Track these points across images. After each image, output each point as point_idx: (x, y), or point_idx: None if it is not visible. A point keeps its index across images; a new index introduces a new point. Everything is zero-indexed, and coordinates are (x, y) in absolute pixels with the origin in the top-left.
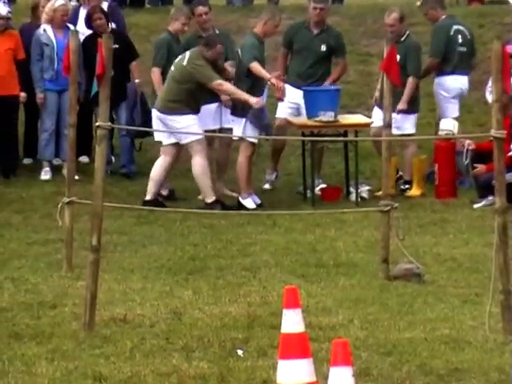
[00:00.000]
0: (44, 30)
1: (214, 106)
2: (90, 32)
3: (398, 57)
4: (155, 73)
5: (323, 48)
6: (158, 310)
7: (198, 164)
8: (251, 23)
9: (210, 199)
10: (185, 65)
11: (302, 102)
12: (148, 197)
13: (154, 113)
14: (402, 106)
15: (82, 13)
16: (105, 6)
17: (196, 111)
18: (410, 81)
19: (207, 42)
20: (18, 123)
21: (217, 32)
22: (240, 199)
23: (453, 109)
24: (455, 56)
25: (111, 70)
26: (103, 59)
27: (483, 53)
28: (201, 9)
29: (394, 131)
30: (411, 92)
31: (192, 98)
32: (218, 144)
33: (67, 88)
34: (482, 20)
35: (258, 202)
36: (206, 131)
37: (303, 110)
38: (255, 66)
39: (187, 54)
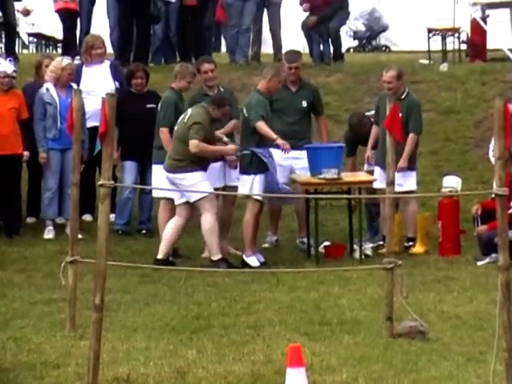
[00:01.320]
0: (47, 89)
1: (218, 164)
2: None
3: (400, 114)
4: (164, 133)
5: (304, 104)
6: (162, 370)
7: (207, 221)
8: (255, 81)
9: (216, 257)
10: (185, 122)
11: (285, 162)
12: (160, 256)
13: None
14: (402, 164)
15: (85, 71)
16: (107, 64)
17: (204, 168)
18: (412, 137)
19: (218, 102)
20: (21, 182)
21: (221, 89)
22: (244, 257)
23: None
24: None
25: (115, 129)
26: (106, 118)
27: (485, 110)
28: (207, 66)
29: (396, 188)
30: (412, 149)
31: (194, 155)
32: (221, 202)
33: (70, 147)
34: (484, 77)
35: (262, 260)
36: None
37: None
38: (261, 126)
39: (189, 111)
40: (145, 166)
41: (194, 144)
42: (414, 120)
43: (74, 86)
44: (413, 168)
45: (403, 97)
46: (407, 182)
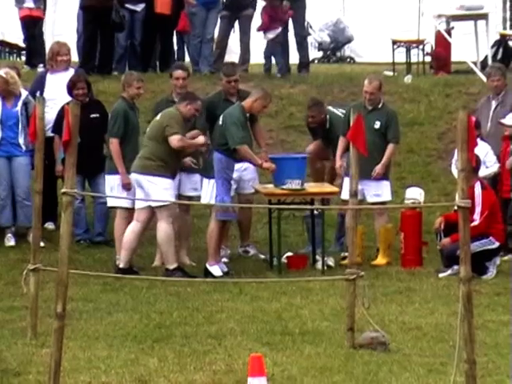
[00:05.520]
0: None
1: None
2: (57, 97)
3: (379, 123)
4: (114, 143)
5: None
6: (123, 378)
7: (163, 230)
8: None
9: (172, 266)
10: (158, 120)
11: (234, 174)
12: (122, 265)
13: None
14: (381, 169)
15: (49, 79)
16: (71, 72)
17: (173, 175)
18: (391, 146)
19: (190, 97)
20: None
21: None
22: (207, 266)
23: None
24: None
25: (77, 137)
26: (69, 126)
27: (449, 122)
28: (180, 73)
29: (374, 199)
30: (391, 157)
31: (167, 156)
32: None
33: (17, 154)
34: (448, 90)
35: (225, 269)
36: None
37: (240, 183)
38: (245, 151)
39: (161, 113)
40: (94, 177)
41: (177, 139)
42: (393, 130)
43: (37, 94)
44: (388, 178)
45: (380, 106)
46: (384, 193)
